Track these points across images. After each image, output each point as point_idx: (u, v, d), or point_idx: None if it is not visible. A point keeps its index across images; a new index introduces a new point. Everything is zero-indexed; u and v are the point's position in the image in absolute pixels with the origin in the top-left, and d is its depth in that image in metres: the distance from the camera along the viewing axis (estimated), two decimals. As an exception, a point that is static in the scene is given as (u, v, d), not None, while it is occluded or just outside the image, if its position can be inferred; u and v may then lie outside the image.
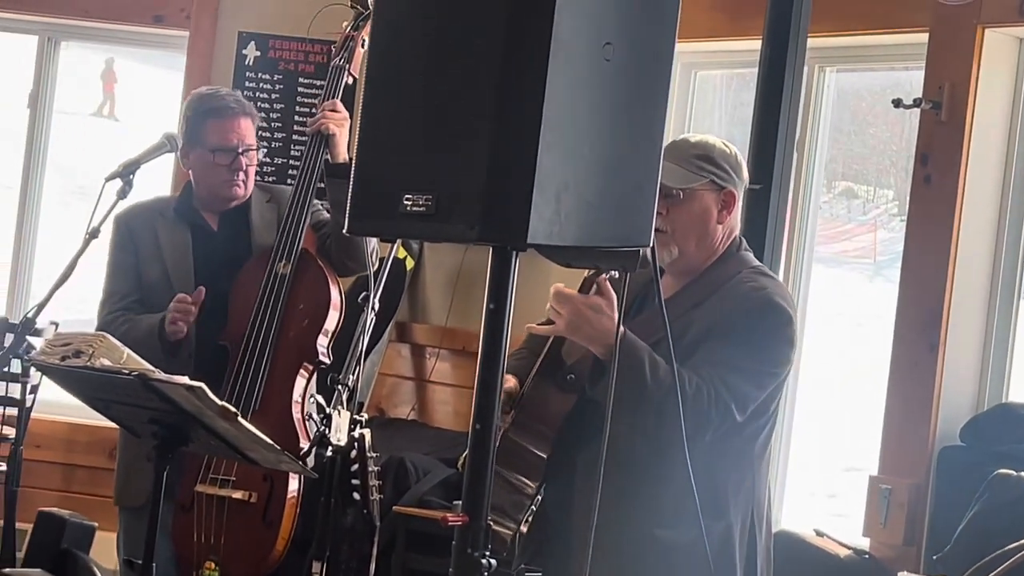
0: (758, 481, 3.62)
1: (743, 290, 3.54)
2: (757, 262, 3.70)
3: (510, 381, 3.70)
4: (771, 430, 3.64)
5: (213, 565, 4.43)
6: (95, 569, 3.91)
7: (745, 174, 3.67)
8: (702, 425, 3.39)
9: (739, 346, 3.45)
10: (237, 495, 4.46)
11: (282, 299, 4.56)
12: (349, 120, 4.65)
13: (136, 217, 4.76)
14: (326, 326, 4.61)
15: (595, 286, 3.42)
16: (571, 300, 3.40)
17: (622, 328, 3.40)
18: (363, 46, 4.71)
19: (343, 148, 4.62)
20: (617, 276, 3.41)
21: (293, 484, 4.46)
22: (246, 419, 4.33)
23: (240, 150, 4.66)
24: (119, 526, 4.76)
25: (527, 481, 3.58)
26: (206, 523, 4.48)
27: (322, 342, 4.60)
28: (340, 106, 4.65)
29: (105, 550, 6.09)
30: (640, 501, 3.51)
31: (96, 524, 4.18)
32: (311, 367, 4.59)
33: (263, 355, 4.55)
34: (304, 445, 4.40)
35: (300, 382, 4.58)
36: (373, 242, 4.61)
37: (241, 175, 4.67)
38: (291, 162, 6.51)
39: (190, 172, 4.75)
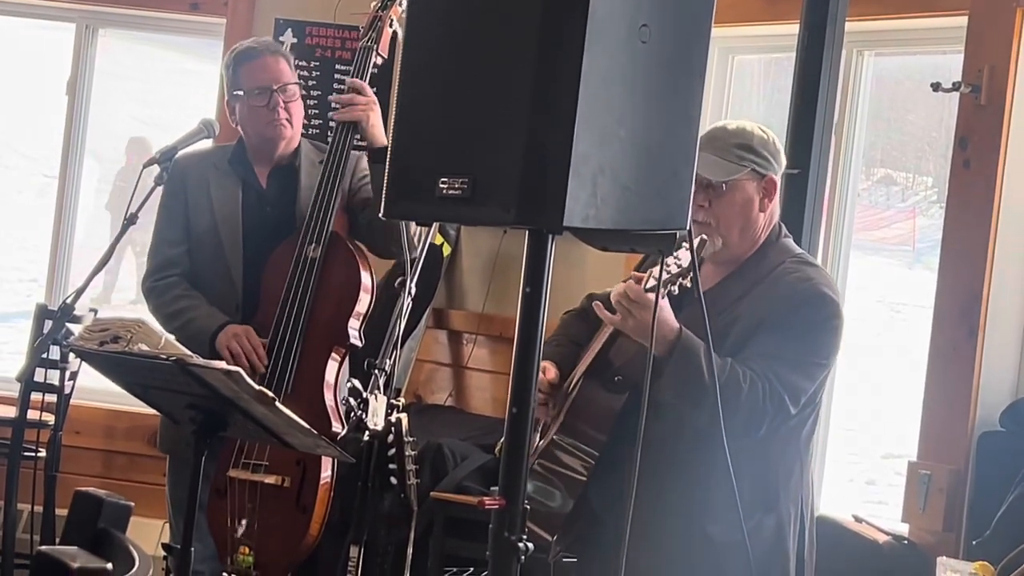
0: (805, 470, 3.63)
1: (789, 281, 3.53)
2: (799, 249, 3.69)
3: (551, 371, 3.70)
4: (816, 419, 3.65)
5: (248, 550, 4.45)
6: (132, 548, 3.92)
7: (783, 157, 3.66)
8: (757, 419, 3.41)
9: (790, 339, 3.44)
10: (270, 480, 4.47)
11: (312, 282, 4.57)
12: (376, 103, 4.65)
13: (189, 165, 4.79)
14: (357, 309, 4.61)
15: (652, 280, 3.41)
16: (647, 304, 3.37)
17: (678, 325, 3.43)
18: (391, 26, 4.72)
19: (379, 131, 4.61)
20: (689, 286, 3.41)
21: (326, 469, 4.46)
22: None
23: (273, 87, 4.69)
24: (170, 475, 4.80)
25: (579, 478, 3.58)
26: (240, 508, 4.49)
27: (353, 325, 4.60)
28: (366, 88, 4.65)
29: (143, 536, 6.13)
30: (690, 498, 3.51)
31: (133, 504, 4.21)
32: (343, 350, 4.60)
33: (294, 338, 4.55)
34: (337, 428, 4.42)
35: (332, 365, 4.59)
36: (413, 225, 4.62)
37: (282, 113, 4.70)
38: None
39: (240, 128, 4.80)
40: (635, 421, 3.53)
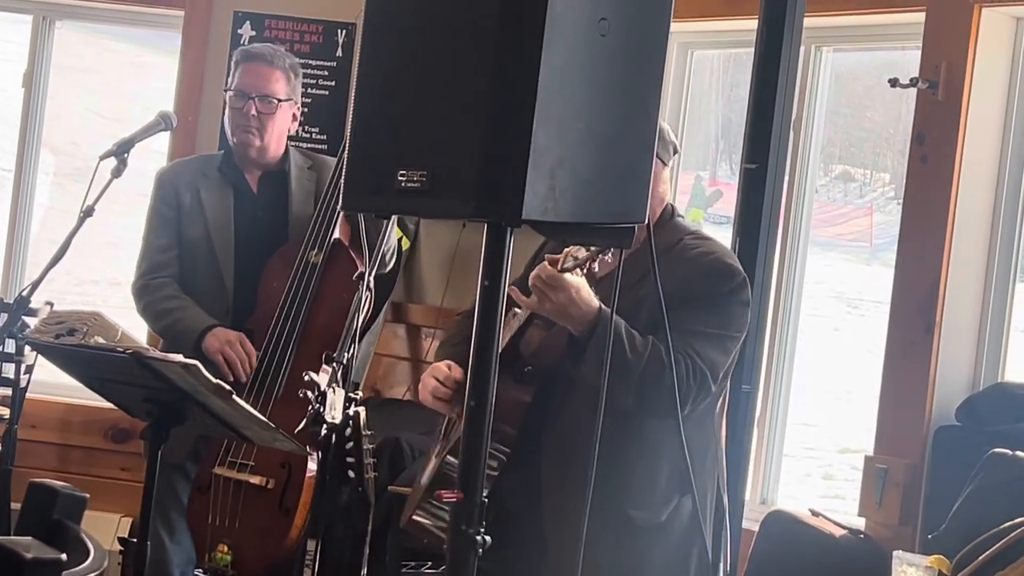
0: (719, 450, 3.64)
1: (692, 255, 3.51)
2: (694, 227, 3.68)
3: (456, 369, 3.67)
4: (725, 396, 3.67)
5: (226, 548, 4.45)
6: (86, 539, 3.92)
7: (668, 137, 3.59)
8: (682, 397, 3.37)
9: (702, 313, 3.43)
10: (254, 480, 4.47)
11: (312, 288, 4.57)
12: None
13: (180, 175, 4.82)
14: None
15: (570, 260, 3.39)
16: (565, 286, 3.37)
17: (597, 303, 3.41)
18: None
19: None
20: (610, 259, 3.39)
21: (311, 473, 4.45)
22: (268, 406, 4.37)
23: (252, 94, 4.68)
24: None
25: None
26: (221, 506, 4.49)
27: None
28: None
29: (99, 530, 6.09)
30: (611, 483, 3.45)
31: (88, 495, 4.20)
32: None
33: (289, 343, 4.56)
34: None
35: (323, 374, 4.57)
36: (392, 240, 4.65)
37: (253, 122, 4.70)
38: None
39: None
40: (545, 408, 3.53)
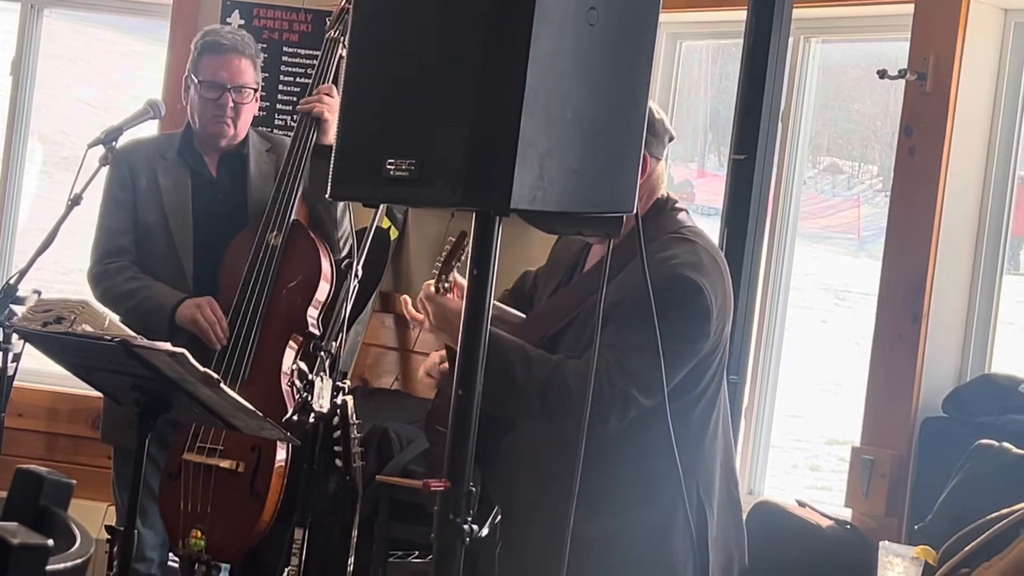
0: (702, 459, 3.46)
1: (652, 262, 3.26)
2: (683, 223, 3.48)
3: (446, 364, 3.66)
4: (709, 404, 3.47)
5: (199, 534, 4.45)
6: (73, 526, 3.91)
7: (662, 128, 3.44)
8: (595, 418, 3.14)
9: (641, 326, 3.19)
10: (224, 464, 4.48)
11: (272, 270, 4.58)
12: None
13: (137, 154, 4.79)
14: (316, 297, 4.62)
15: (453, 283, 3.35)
16: (434, 301, 3.34)
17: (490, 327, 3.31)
18: None
19: (334, 132, 4.63)
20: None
21: (281, 455, 4.46)
22: (234, 388, 4.38)
23: (228, 86, 4.69)
24: (115, 469, 4.80)
25: None
26: (193, 491, 4.49)
27: (312, 314, 4.61)
28: (335, 91, 4.66)
29: (86, 519, 6.09)
30: (556, 492, 3.30)
31: (74, 481, 4.20)
32: (300, 338, 4.61)
33: (252, 325, 4.56)
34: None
35: (290, 353, 4.60)
36: (345, 224, 4.66)
37: (229, 112, 4.71)
38: (274, 131, 6.48)
39: (187, 109, 4.81)
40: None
